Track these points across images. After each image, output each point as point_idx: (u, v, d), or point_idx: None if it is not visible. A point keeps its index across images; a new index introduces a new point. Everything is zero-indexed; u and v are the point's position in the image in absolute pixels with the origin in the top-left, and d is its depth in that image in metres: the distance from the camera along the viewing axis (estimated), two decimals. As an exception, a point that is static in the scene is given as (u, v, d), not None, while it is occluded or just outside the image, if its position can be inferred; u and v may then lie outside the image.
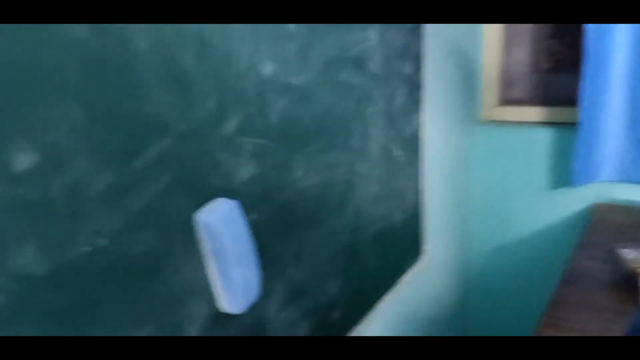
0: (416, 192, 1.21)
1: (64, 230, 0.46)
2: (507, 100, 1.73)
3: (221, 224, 0.59)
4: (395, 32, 1.02)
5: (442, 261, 1.57)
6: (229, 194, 0.65)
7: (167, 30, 0.53)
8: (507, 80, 1.73)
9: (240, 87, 0.64)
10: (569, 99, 1.64)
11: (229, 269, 0.61)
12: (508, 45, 1.70)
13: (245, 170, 0.67)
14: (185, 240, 0.59)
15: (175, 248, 0.58)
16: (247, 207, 0.68)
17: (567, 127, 1.57)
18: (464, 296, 1.85)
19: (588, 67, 1.34)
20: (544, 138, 1.60)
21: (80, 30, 0.45)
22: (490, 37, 1.66)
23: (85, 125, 0.46)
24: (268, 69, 0.69)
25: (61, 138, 0.45)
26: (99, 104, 0.47)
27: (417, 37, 1.12)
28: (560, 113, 1.61)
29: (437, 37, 1.30)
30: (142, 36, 0.50)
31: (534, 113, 1.65)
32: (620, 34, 1.31)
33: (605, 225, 1.38)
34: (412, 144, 1.16)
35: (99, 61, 0.47)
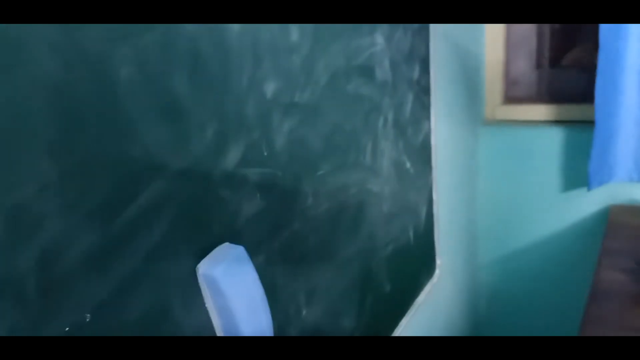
0: (428, 203, 1.13)
1: (35, 312, 0.37)
2: (512, 99, 1.66)
3: (226, 277, 0.50)
4: (402, 35, 0.93)
5: (453, 273, 1.50)
6: (234, 235, 0.56)
7: (151, 51, 0.44)
8: (511, 78, 1.65)
9: (241, 112, 0.55)
10: (575, 96, 1.56)
11: (237, 325, 0.52)
12: (511, 41, 1.62)
13: (250, 206, 0.58)
14: (188, 297, 0.50)
15: (176, 309, 0.49)
16: (254, 248, 0.59)
17: (575, 125, 1.49)
18: (475, 307, 1.77)
19: (602, 64, 1.26)
20: (553, 137, 1.52)
21: (47, 61, 0.36)
22: (492, 33, 1.58)
23: (57, 180, 0.37)
24: (271, 87, 0.60)
25: (27, 198, 0.35)
26: (73, 152, 0.38)
27: (424, 39, 1.04)
28: (568, 110, 1.53)
29: (441, 37, 1.22)
30: (122, 62, 0.41)
31: (540, 111, 1.57)
32: (635, 29, 1.23)
33: (623, 229, 1.31)
34: (422, 153, 1.08)
35: (71, 98, 0.38)
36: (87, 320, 0.41)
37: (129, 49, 0.41)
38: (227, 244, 0.53)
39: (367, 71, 0.82)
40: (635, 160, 1.38)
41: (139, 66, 0.42)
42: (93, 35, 0.39)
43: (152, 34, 0.43)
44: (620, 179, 1.41)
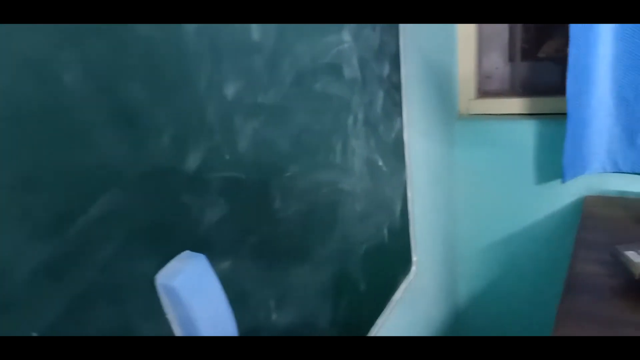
0: (403, 200, 1.13)
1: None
2: (485, 93, 1.66)
3: (185, 286, 0.48)
4: (371, 31, 0.92)
5: (431, 269, 1.49)
6: (197, 242, 0.54)
7: (99, 55, 0.41)
8: (484, 72, 1.65)
9: (200, 115, 0.54)
10: (548, 88, 1.57)
11: (200, 335, 0.51)
12: (484, 35, 1.62)
13: (214, 212, 0.56)
14: (148, 309, 0.48)
15: (135, 321, 0.47)
16: (219, 255, 0.57)
17: (548, 117, 1.50)
18: (454, 302, 1.78)
19: (573, 56, 1.27)
20: (527, 130, 1.53)
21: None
22: (464, 28, 1.57)
23: (0, 193, 0.35)
24: (232, 88, 0.58)
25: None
26: (17, 161, 0.36)
27: (394, 35, 1.03)
28: (541, 103, 1.54)
29: (411, 33, 1.21)
30: (67, 67, 0.39)
31: (514, 104, 1.58)
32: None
33: (598, 220, 1.32)
34: (395, 151, 1.07)
35: (14, 108, 0.35)
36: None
37: (74, 53, 0.39)
38: (187, 252, 0.51)
39: (334, 69, 0.80)
40: (608, 151, 1.39)
41: (87, 70, 0.40)
42: (33, 39, 0.37)
43: (99, 37, 0.41)
44: (594, 170, 1.42)
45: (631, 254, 0.94)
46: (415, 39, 1.22)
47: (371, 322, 0.99)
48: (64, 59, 0.39)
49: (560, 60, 1.54)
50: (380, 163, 0.99)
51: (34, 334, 0.39)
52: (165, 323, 0.50)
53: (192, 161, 0.53)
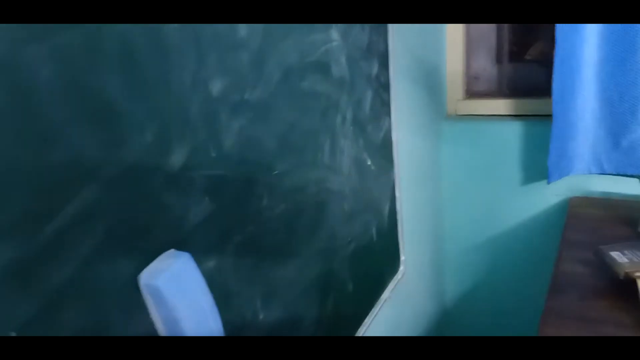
0: (391, 200, 1.12)
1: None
2: (473, 93, 1.67)
3: (169, 286, 0.48)
4: (360, 30, 0.92)
5: (418, 269, 1.50)
6: (181, 241, 0.53)
7: (73, 51, 0.40)
8: (472, 73, 1.66)
9: (184, 112, 0.53)
10: (535, 90, 1.58)
11: (185, 335, 0.50)
12: (472, 36, 1.63)
13: (198, 211, 0.56)
14: (130, 309, 0.47)
15: (117, 322, 0.46)
16: (205, 254, 0.56)
17: (535, 119, 1.51)
18: (441, 301, 1.78)
19: (558, 58, 1.28)
20: (514, 131, 1.54)
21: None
22: (453, 29, 1.58)
23: (-32, 190, 0.34)
24: (217, 85, 0.57)
25: None
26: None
27: (382, 35, 1.02)
28: (528, 105, 1.55)
29: (400, 33, 1.21)
30: (38, 63, 0.38)
31: (501, 105, 1.59)
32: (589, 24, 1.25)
33: (582, 221, 1.33)
34: (384, 150, 1.07)
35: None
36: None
37: (44, 49, 0.38)
38: (171, 251, 0.50)
39: (322, 68, 0.80)
40: (593, 152, 1.40)
41: (59, 67, 0.39)
42: None
43: (72, 32, 0.40)
44: (578, 171, 1.43)
45: (616, 255, 0.95)
46: (404, 38, 1.22)
47: (359, 321, 0.99)
48: (35, 55, 0.38)
49: (547, 63, 1.55)
50: (369, 163, 0.99)
51: (13, 334, 0.38)
52: (149, 323, 0.49)
53: (176, 159, 0.52)
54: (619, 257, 0.94)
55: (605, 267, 0.96)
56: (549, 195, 1.53)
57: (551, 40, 1.33)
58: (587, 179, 1.46)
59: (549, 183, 1.42)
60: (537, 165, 1.51)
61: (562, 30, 1.27)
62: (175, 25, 0.50)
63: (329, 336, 0.86)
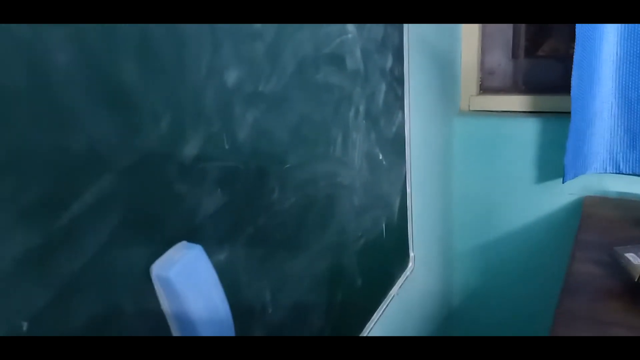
0: (402, 195, 1.11)
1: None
2: (487, 89, 1.65)
3: (181, 278, 0.47)
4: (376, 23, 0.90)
5: (428, 266, 1.49)
6: (193, 233, 0.53)
7: (92, 36, 0.40)
8: (487, 68, 1.64)
9: (199, 102, 0.52)
10: (551, 86, 1.56)
11: (195, 328, 0.49)
12: (487, 31, 1.61)
13: (210, 202, 0.55)
14: (142, 300, 0.47)
15: (128, 312, 0.46)
16: (216, 246, 0.56)
17: (550, 115, 1.49)
18: (449, 299, 1.77)
19: (578, 55, 1.25)
20: (528, 128, 1.52)
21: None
22: (468, 24, 1.56)
23: (-19, 177, 0.34)
24: (232, 76, 0.57)
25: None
26: (2, 147, 0.35)
27: (398, 28, 1.01)
28: (543, 101, 1.53)
29: (415, 26, 1.19)
30: (57, 48, 0.37)
31: (516, 102, 1.56)
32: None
33: (597, 221, 1.31)
34: (396, 145, 1.06)
35: (-3, 86, 0.34)
36: (24, 328, 0.37)
37: (64, 33, 0.37)
38: (183, 242, 0.50)
39: (337, 60, 0.79)
40: (609, 152, 1.38)
41: (78, 52, 0.39)
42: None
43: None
44: (595, 170, 1.41)
45: (631, 256, 0.93)
46: (419, 32, 1.21)
47: (367, 316, 0.98)
48: (54, 39, 0.37)
49: (563, 59, 1.53)
50: (380, 157, 0.98)
51: (25, 324, 0.37)
52: (160, 314, 0.49)
53: (190, 149, 0.52)
54: (634, 258, 0.92)
55: (620, 269, 0.95)
56: (563, 194, 1.51)
57: (567, 36, 1.31)
58: (602, 178, 1.44)
59: (564, 182, 1.41)
60: (551, 163, 1.49)
61: (581, 27, 1.24)
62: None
63: (335, 336, 0.86)
